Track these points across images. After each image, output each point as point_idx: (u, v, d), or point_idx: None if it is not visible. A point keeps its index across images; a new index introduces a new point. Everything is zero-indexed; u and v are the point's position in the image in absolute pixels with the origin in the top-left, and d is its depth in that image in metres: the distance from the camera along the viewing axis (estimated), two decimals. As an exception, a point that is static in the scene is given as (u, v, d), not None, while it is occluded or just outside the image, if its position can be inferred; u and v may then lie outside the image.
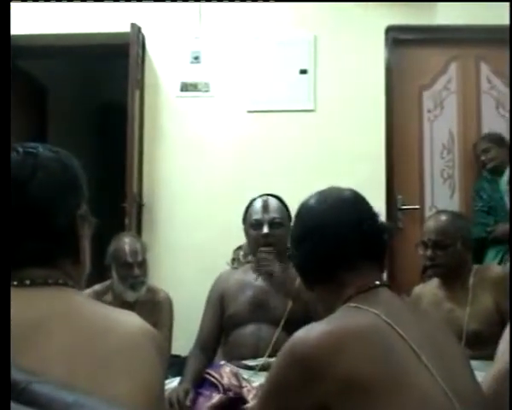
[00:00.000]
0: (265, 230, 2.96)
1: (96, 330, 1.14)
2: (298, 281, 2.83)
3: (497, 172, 4.62)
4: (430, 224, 3.28)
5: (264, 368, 2.75)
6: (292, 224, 1.76)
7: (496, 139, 4.66)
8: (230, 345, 2.98)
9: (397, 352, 1.39)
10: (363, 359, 1.35)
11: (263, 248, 2.98)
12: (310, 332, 1.42)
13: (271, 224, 2.96)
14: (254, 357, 2.82)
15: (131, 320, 1.20)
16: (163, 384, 1.25)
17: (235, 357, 2.86)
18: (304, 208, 1.70)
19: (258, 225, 2.99)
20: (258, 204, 3.04)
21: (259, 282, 2.96)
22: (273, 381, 1.47)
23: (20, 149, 1.26)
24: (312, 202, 1.68)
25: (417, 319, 1.55)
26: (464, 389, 1.42)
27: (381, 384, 1.32)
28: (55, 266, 1.23)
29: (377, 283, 1.57)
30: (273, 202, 3.04)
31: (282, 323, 2.79)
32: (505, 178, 4.55)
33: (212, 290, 3.10)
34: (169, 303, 3.64)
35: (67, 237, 1.27)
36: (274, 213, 2.99)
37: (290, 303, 2.83)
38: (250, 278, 2.99)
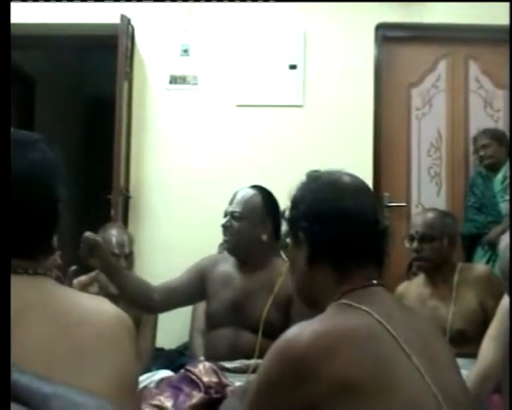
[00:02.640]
0: (223, 221, 2.93)
1: (71, 319, 1.13)
2: (280, 279, 2.83)
3: (492, 169, 4.63)
4: (418, 218, 3.33)
5: (241, 370, 2.73)
6: (309, 192, 1.63)
7: (497, 136, 4.66)
8: (208, 345, 2.97)
9: (388, 353, 1.37)
10: (354, 360, 1.33)
11: (224, 239, 2.95)
12: (301, 332, 1.39)
13: (232, 216, 2.90)
14: (230, 359, 2.78)
15: (106, 309, 1.20)
16: (137, 372, 1.25)
17: (211, 357, 2.84)
18: (331, 185, 1.62)
19: (224, 216, 2.97)
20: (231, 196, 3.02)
21: (240, 281, 2.93)
22: (262, 381, 1.43)
23: None
24: (341, 182, 1.63)
25: (409, 319, 1.52)
26: (453, 389, 1.41)
27: (372, 386, 1.31)
28: (32, 257, 1.22)
29: (374, 282, 1.54)
30: (244, 194, 2.96)
31: (260, 329, 2.72)
32: (500, 176, 4.56)
33: (197, 264, 3.06)
34: (154, 296, 3.63)
35: (48, 227, 1.25)
36: (235, 207, 2.91)
37: (267, 307, 2.77)
38: (233, 272, 2.97)
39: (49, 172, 1.24)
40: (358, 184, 1.64)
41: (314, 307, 1.61)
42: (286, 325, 2.64)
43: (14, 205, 1.16)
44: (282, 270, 2.84)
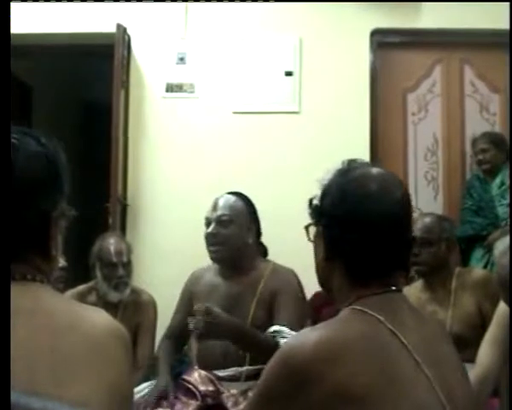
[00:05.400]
0: (210, 228, 2.91)
1: (60, 327, 1.11)
2: (263, 280, 2.84)
3: (490, 173, 4.64)
4: (417, 222, 3.32)
5: (235, 378, 2.73)
6: (335, 188, 1.53)
7: (496, 141, 4.64)
8: (199, 355, 2.95)
9: (397, 363, 1.34)
10: (360, 370, 1.30)
11: (211, 248, 2.93)
12: (306, 338, 1.37)
13: (218, 222, 2.89)
14: (222, 367, 2.77)
15: (98, 317, 1.18)
16: (131, 384, 1.22)
17: (203, 366, 2.83)
18: (359, 184, 1.50)
19: (207, 224, 2.96)
20: (212, 203, 3.01)
21: (225, 288, 2.92)
22: (263, 388, 1.41)
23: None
24: (371, 182, 1.50)
25: (422, 326, 1.48)
26: (460, 398, 1.39)
27: (377, 397, 1.29)
28: (23, 261, 1.19)
29: (393, 288, 1.48)
30: (226, 199, 2.96)
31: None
32: (497, 181, 4.56)
33: (184, 289, 3.08)
34: (153, 305, 3.63)
35: (38, 237, 1.22)
36: (221, 211, 2.90)
37: (252, 309, 2.77)
38: (218, 281, 2.96)
39: (34, 179, 1.21)
40: (391, 187, 1.52)
41: (332, 296, 1.57)
42: (272, 322, 2.67)
43: None
44: (265, 272, 2.87)
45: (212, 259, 2.97)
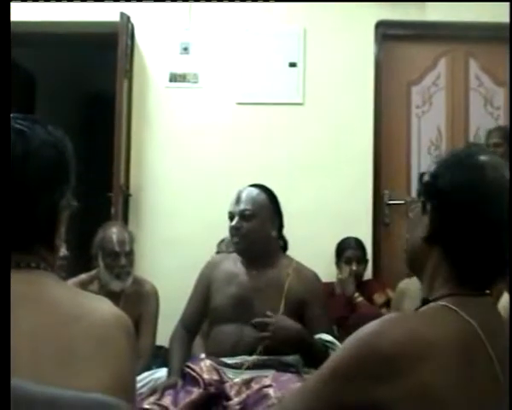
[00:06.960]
0: (233, 222, 2.93)
1: (64, 316, 1.11)
2: (289, 279, 2.86)
3: None
4: None
5: (242, 366, 2.74)
6: (460, 173, 1.40)
7: (507, 136, 4.60)
8: (211, 340, 2.97)
9: (480, 374, 1.27)
10: (443, 372, 1.22)
11: (234, 241, 2.96)
12: (395, 327, 1.29)
13: (242, 216, 2.91)
14: (233, 356, 2.79)
15: (103, 307, 1.17)
16: (134, 375, 1.21)
17: (213, 353, 2.84)
18: (494, 183, 1.38)
19: (230, 217, 2.97)
20: (235, 196, 3.02)
21: (246, 277, 2.94)
22: (336, 365, 1.31)
23: (13, 125, 1.21)
24: (504, 185, 1.37)
25: (505, 336, 1.38)
26: None
27: (453, 404, 1.22)
28: (29, 251, 1.20)
29: (486, 291, 1.40)
30: (248, 192, 2.97)
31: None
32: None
33: (200, 276, 3.07)
34: (155, 295, 3.64)
35: (45, 227, 1.23)
36: (244, 205, 2.91)
37: (281, 307, 2.78)
38: (238, 270, 2.98)
39: (46, 169, 1.22)
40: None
41: (416, 275, 1.50)
42: (301, 325, 2.72)
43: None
44: (289, 269, 2.89)
45: (235, 251, 3.01)
